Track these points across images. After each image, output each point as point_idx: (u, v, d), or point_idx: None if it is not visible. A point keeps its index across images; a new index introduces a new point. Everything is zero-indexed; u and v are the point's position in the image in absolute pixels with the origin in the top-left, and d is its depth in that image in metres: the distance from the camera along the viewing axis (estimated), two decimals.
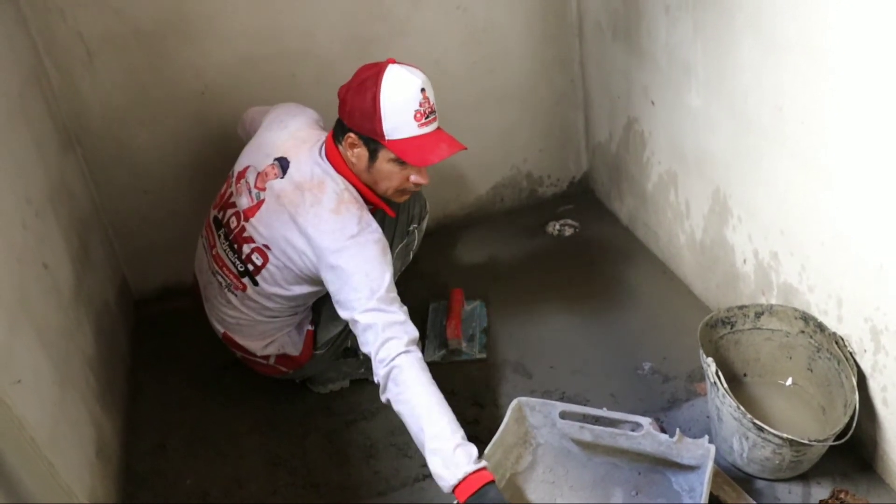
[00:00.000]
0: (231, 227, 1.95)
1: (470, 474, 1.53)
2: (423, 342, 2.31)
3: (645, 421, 1.69)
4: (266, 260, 1.89)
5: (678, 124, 2.19)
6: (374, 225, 1.79)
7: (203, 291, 2.10)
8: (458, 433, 1.61)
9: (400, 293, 1.86)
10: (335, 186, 1.81)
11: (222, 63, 2.39)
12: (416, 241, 2.19)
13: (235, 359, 2.17)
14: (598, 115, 2.69)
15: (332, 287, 1.77)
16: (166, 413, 2.22)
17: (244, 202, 1.93)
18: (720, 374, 1.69)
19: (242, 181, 1.95)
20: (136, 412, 2.23)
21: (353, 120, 1.78)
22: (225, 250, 1.97)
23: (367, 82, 1.75)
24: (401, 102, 1.74)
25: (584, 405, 2.03)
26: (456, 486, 1.53)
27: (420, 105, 1.75)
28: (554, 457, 1.83)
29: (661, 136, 2.31)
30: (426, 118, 1.77)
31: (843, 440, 1.62)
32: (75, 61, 2.28)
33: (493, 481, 1.53)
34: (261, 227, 1.88)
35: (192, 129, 2.46)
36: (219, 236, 1.99)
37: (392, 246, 1.97)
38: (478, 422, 2.04)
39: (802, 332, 1.84)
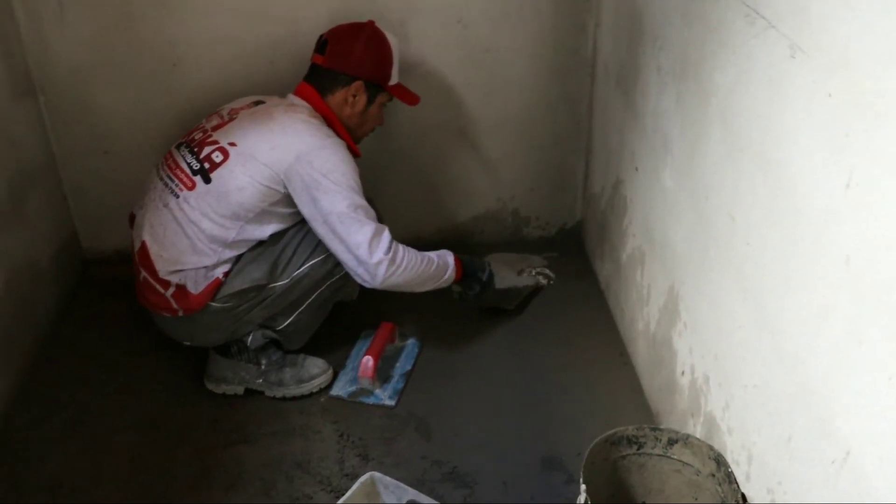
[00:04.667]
0: (195, 139, 1.99)
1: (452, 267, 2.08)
2: (336, 372, 2.14)
3: None
4: (226, 157, 1.91)
5: (651, 201, 1.93)
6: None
7: (141, 205, 2.03)
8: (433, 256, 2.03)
9: (338, 314, 2.24)
10: (308, 111, 2.01)
11: (198, 38, 2.26)
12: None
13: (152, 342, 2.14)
14: (597, 164, 2.43)
15: (307, 188, 1.87)
16: (61, 388, 2.13)
17: (213, 123, 2.01)
18: None
19: (214, 115, 2.05)
20: (34, 380, 2.15)
21: (362, 69, 2.04)
22: (182, 154, 1.98)
23: (374, 36, 2.05)
24: (396, 53, 2.09)
25: (471, 488, 1.84)
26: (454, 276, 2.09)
27: None
28: None
29: (639, 208, 2.05)
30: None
31: None
32: (46, 10, 2.19)
33: (460, 258, 2.13)
34: (230, 131, 1.95)
35: (161, 99, 2.34)
36: (177, 148, 2.01)
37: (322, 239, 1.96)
38: (356, 477, 1.85)
39: (713, 475, 1.58)
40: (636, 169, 2.03)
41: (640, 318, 2.06)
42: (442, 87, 2.37)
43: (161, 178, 1.99)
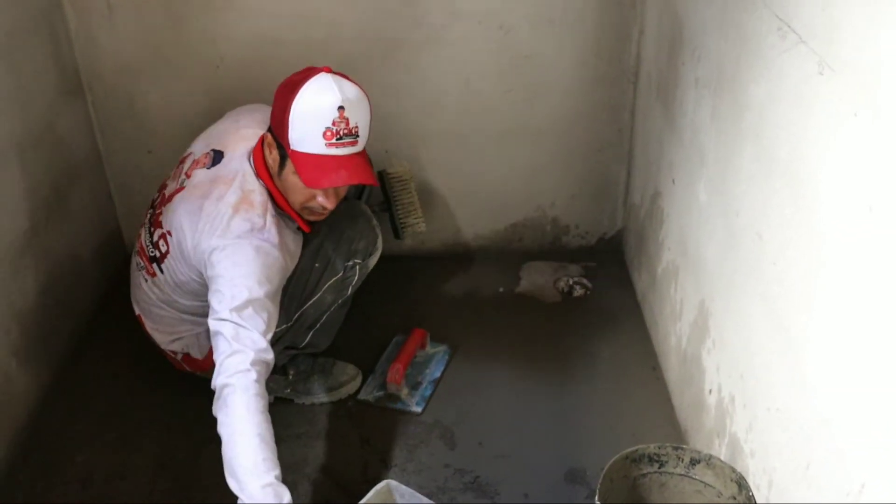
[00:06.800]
0: (156, 208, 1.89)
1: None
2: (366, 376, 2.15)
3: None
4: (168, 248, 1.80)
5: (687, 214, 1.89)
6: (269, 234, 1.69)
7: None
8: (273, 472, 1.50)
9: (371, 315, 2.13)
10: (245, 185, 1.73)
11: (241, 39, 2.30)
12: (355, 278, 2.00)
13: None
14: (638, 174, 2.39)
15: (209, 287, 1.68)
16: (95, 382, 2.18)
17: (172, 187, 1.87)
18: None
19: (181, 166, 1.90)
20: (71, 373, 2.20)
21: (273, 119, 1.72)
22: (145, 231, 1.91)
23: (291, 85, 1.68)
24: (311, 115, 1.65)
25: (491, 498, 1.84)
26: None
27: (333, 123, 1.64)
28: None
29: (675, 221, 2.00)
30: (338, 139, 1.66)
31: None
32: (95, 11, 2.26)
33: None
34: (170, 212, 1.80)
35: (203, 99, 2.38)
36: (147, 215, 1.94)
37: (314, 274, 1.88)
38: (375, 482, 1.85)
39: (734, 498, 1.53)
40: (673, 181, 1.99)
41: (673, 332, 2.02)
42: (484, 92, 2.36)
43: (135, 255, 1.96)
